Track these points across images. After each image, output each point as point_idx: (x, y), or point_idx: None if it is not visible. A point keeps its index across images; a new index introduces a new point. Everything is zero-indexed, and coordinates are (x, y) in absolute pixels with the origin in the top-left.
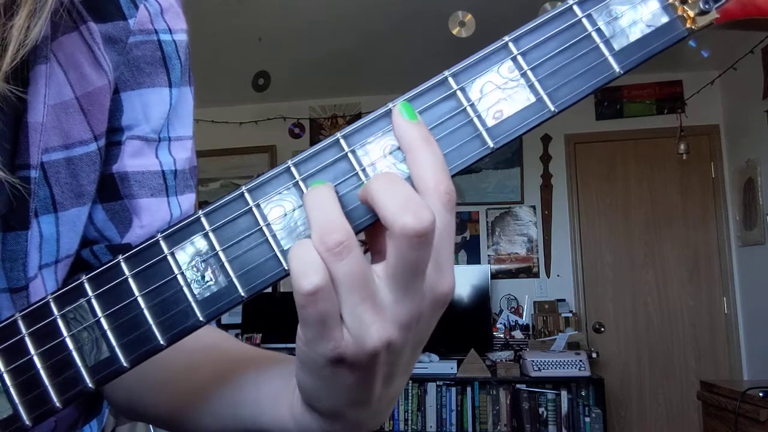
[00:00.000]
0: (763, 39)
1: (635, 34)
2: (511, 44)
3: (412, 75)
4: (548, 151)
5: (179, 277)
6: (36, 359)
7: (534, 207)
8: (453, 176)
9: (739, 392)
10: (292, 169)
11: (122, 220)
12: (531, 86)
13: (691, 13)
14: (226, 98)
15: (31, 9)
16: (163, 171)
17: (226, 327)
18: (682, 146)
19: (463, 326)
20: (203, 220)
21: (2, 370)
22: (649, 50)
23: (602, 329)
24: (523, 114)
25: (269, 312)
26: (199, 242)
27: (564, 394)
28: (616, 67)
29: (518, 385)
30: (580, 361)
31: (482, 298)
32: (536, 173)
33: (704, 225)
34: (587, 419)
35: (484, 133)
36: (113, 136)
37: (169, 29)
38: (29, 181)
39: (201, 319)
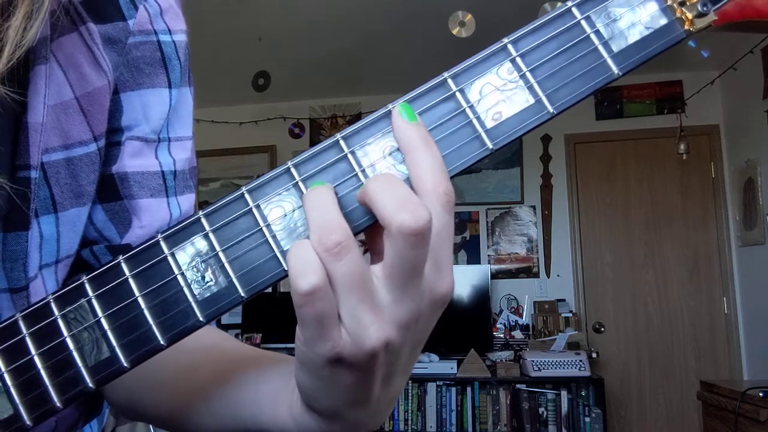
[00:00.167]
0: (763, 39)
1: (634, 36)
2: (510, 46)
3: (412, 75)
4: (548, 151)
5: (179, 278)
6: (36, 359)
7: (534, 207)
8: (452, 177)
9: (739, 392)
10: (292, 170)
11: (122, 221)
12: (530, 88)
13: (690, 15)
14: (226, 98)
15: (27, 10)
16: (162, 171)
17: (226, 327)
18: (682, 146)
19: (463, 326)
20: (203, 220)
21: (3, 370)
22: (648, 52)
23: (602, 329)
24: (522, 115)
25: (269, 312)
26: (199, 243)
27: (564, 394)
28: (615, 69)
29: (518, 385)
30: (580, 361)
31: (482, 298)
32: (536, 173)
33: (704, 225)
34: (587, 419)
35: (483, 135)
36: (113, 137)
37: (169, 30)
38: (29, 182)
39: (201, 319)
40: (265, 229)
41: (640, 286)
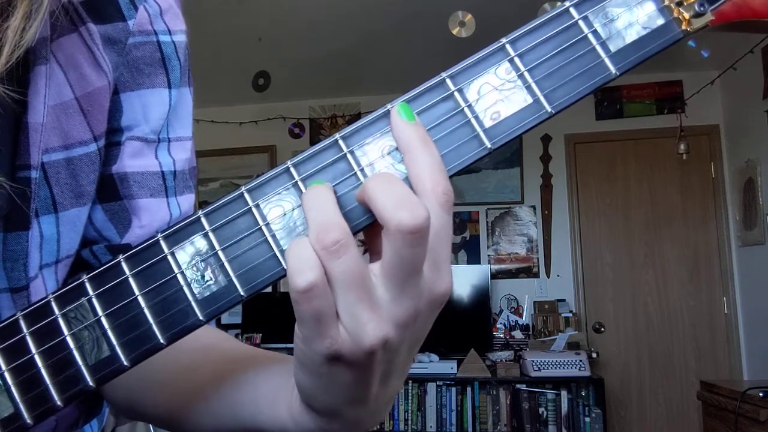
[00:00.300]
0: (763, 39)
1: (631, 36)
2: (508, 46)
3: (412, 75)
4: (548, 151)
5: (179, 277)
6: (37, 358)
7: (534, 207)
8: (451, 177)
9: (739, 392)
10: (292, 169)
11: (121, 221)
12: (528, 87)
13: (687, 15)
14: (226, 98)
15: (26, 10)
16: (162, 172)
17: (226, 327)
18: (682, 146)
19: (463, 326)
20: (203, 220)
21: (3, 368)
22: (645, 52)
23: (602, 329)
24: (520, 115)
25: (269, 312)
26: (199, 242)
27: (564, 394)
28: (613, 69)
29: (518, 385)
30: (580, 361)
31: (482, 298)
32: (536, 173)
33: (704, 225)
34: (587, 419)
35: (482, 134)
36: (113, 137)
37: (169, 30)
38: (30, 182)
39: (201, 318)
40: (264, 229)
41: (640, 286)
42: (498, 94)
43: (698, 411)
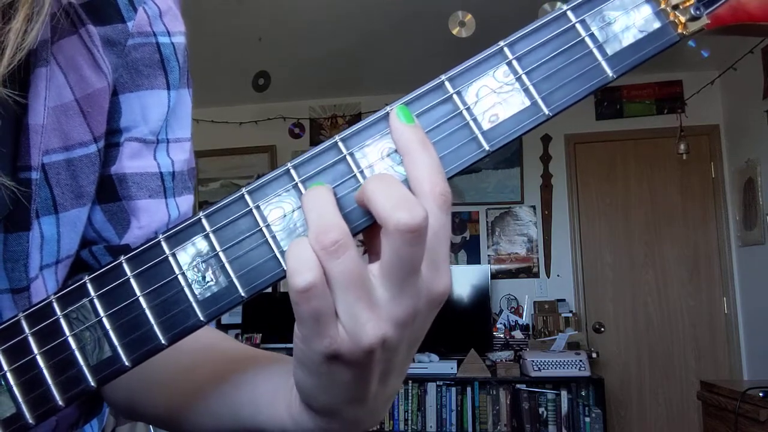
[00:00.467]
0: (763, 39)
1: (628, 39)
2: (506, 49)
3: (412, 75)
4: (548, 151)
5: (180, 278)
6: (39, 358)
7: (534, 207)
8: (450, 178)
9: (739, 392)
10: (292, 171)
11: (120, 221)
12: (526, 90)
13: (683, 19)
14: (226, 98)
15: (28, 13)
16: (161, 173)
17: (226, 327)
18: (682, 146)
19: (463, 326)
20: (204, 221)
21: (5, 369)
22: (642, 55)
23: (602, 329)
24: (518, 117)
25: (269, 312)
26: (200, 243)
27: (564, 394)
28: (609, 72)
29: (518, 385)
30: (580, 361)
31: (482, 298)
32: (536, 173)
33: (704, 225)
34: (587, 419)
35: (480, 136)
36: (112, 138)
37: (168, 32)
38: (30, 183)
39: (202, 318)
40: (264, 230)
41: (640, 286)
42: (496, 96)
43: (698, 411)
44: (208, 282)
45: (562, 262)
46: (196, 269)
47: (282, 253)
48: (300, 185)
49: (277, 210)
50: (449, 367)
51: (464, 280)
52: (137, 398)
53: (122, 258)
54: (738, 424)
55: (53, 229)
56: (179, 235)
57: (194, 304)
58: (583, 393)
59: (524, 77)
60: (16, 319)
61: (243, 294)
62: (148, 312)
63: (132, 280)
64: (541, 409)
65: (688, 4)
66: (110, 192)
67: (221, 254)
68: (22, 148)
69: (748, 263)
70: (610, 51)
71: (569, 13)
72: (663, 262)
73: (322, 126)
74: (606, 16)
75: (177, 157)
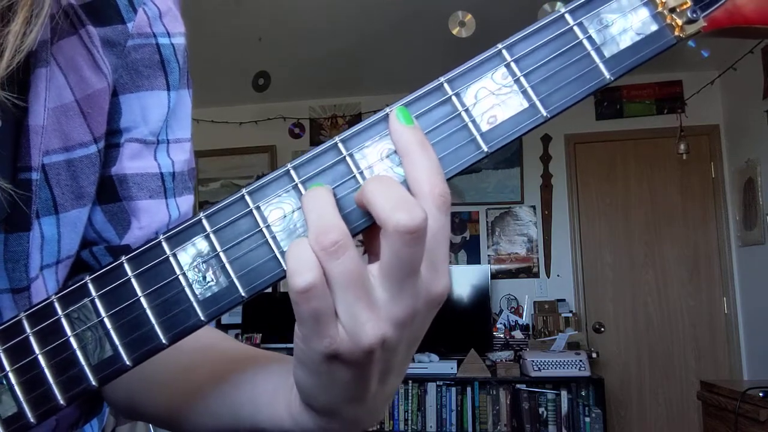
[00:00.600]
0: (763, 39)
1: (625, 42)
2: (504, 51)
3: (412, 75)
4: (548, 151)
5: (181, 278)
6: (40, 358)
7: (534, 207)
8: (449, 179)
9: (739, 392)
10: (292, 172)
11: (121, 222)
12: (524, 92)
13: (680, 22)
14: (226, 98)
15: (27, 15)
16: (161, 173)
17: (226, 327)
18: (682, 146)
19: (463, 326)
20: (204, 221)
21: (7, 368)
22: (639, 57)
23: (602, 329)
24: (516, 119)
25: (269, 312)
26: (200, 243)
27: (564, 394)
28: (607, 74)
29: (518, 385)
30: (580, 361)
31: (482, 298)
32: (536, 173)
33: (704, 225)
34: (587, 419)
35: (479, 138)
36: (112, 139)
37: (168, 33)
38: (31, 183)
39: (202, 318)
40: (265, 230)
41: (640, 286)
42: (495, 98)
43: (698, 411)
44: (208, 282)
45: (562, 262)
46: (196, 269)
47: (282, 253)
48: (300, 186)
49: (277, 211)
50: (449, 367)
51: (464, 280)
52: (137, 398)
53: (123, 258)
54: (738, 424)
55: (53, 229)
56: (180, 235)
57: (195, 304)
58: (583, 393)
59: (522, 79)
60: (17, 318)
61: (243, 294)
62: (149, 312)
63: (133, 280)
64: (541, 409)
65: (684, 7)
66: (111, 192)
67: (222, 254)
68: (22, 148)
69: (748, 263)
70: (607, 53)
71: (567, 16)
72: (663, 262)
73: (322, 126)
74: (604, 19)
75: (177, 157)
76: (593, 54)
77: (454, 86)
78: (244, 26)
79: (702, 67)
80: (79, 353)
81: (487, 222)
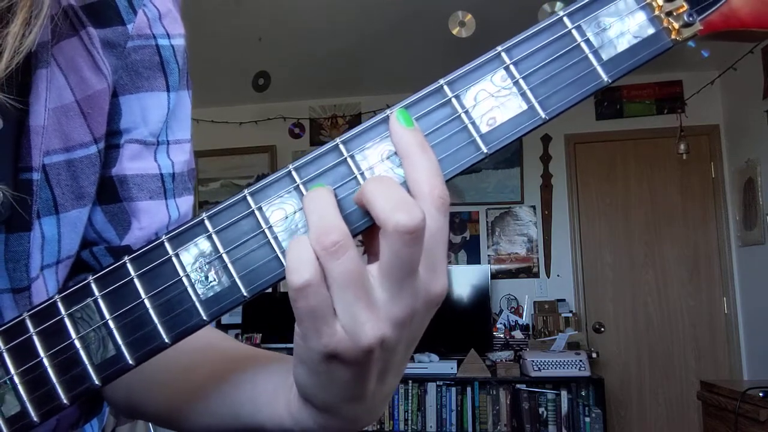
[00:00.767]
0: (763, 39)
1: (623, 45)
2: (503, 54)
3: (412, 75)
4: (548, 151)
5: (184, 278)
6: (43, 357)
7: (534, 207)
8: (448, 180)
9: (739, 392)
10: (293, 173)
11: (121, 222)
12: (523, 94)
13: (676, 25)
14: (226, 98)
15: (26, 17)
16: (161, 174)
17: (226, 327)
18: (682, 146)
19: (463, 326)
20: (207, 222)
21: (10, 368)
22: (636, 60)
23: (602, 329)
24: (515, 121)
25: (269, 312)
26: (203, 244)
27: (564, 394)
28: (604, 77)
29: (518, 385)
30: (580, 361)
31: (482, 298)
32: (536, 173)
33: (704, 225)
34: (587, 419)
35: (478, 139)
36: (112, 139)
37: (167, 34)
38: (31, 183)
39: (205, 318)
40: (267, 231)
41: (640, 286)
42: (494, 100)
43: (698, 411)
44: (211, 282)
45: (562, 262)
46: (199, 269)
47: (284, 253)
48: (301, 187)
49: (278, 211)
50: (449, 367)
51: (464, 280)
52: (137, 397)
53: (126, 258)
54: (738, 424)
55: (54, 229)
56: (182, 235)
57: (197, 304)
58: (583, 393)
59: (521, 81)
60: (20, 318)
61: (245, 294)
62: (151, 311)
63: (136, 280)
64: (541, 409)
65: (681, 10)
66: (111, 193)
67: (224, 255)
68: (23, 149)
69: (748, 263)
70: (605, 56)
71: (565, 19)
72: (663, 262)
73: (322, 126)
74: (601, 22)
75: (177, 158)
76: (591, 57)
77: (454, 88)
78: (244, 26)
79: (702, 67)
80: (82, 353)
81: (487, 222)
